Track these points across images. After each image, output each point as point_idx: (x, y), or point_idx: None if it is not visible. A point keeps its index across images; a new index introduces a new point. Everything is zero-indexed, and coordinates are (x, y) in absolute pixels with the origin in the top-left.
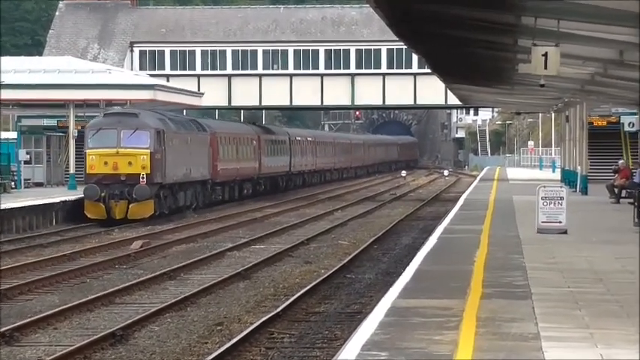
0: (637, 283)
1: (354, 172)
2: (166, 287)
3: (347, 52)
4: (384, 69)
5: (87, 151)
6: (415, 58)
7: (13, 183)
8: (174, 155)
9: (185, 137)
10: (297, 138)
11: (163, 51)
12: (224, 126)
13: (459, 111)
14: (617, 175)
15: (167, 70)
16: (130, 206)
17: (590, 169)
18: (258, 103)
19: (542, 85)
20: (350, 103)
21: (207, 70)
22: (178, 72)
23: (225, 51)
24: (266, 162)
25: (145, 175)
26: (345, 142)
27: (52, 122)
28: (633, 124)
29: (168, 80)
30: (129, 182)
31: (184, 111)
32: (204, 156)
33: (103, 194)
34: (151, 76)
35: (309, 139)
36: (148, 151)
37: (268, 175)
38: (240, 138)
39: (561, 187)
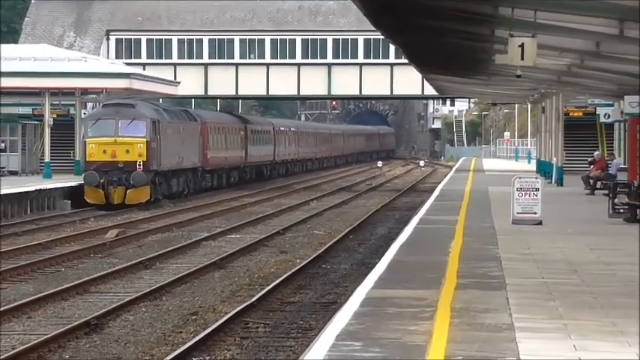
0: (612, 274)
1: (333, 162)
2: (141, 276)
3: (324, 41)
4: (361, 59)
5: (86, 139)
6: (392, 48)
7: None
8: (169, 144)
9: (178, 127)
10: (281, 128)
11: (140, 39)
12: (213, 116)
13: (435, 101)
14: (592, 167)
15: (143, 59)
16: (127, 192)
17: (566, 160)
18: (234, 93)
19: (519, 76)
20: (327, 93)
21: (184, 59)
22: (155, 61)
23: (201, 40)
24: (252, 151)
25: (141, 163)
26: (326, 132)
27: (28, 110)
28: (609, 116)
29: (144, 69)
30: (126, 169)
31: (160, 100)
32: (196, 145)
33: (102, 180)
34: (128, 64)
35: (292, 129)
36: (145, 139)
37: (254, 164)
38: (229, 128)
39: (537, 178)
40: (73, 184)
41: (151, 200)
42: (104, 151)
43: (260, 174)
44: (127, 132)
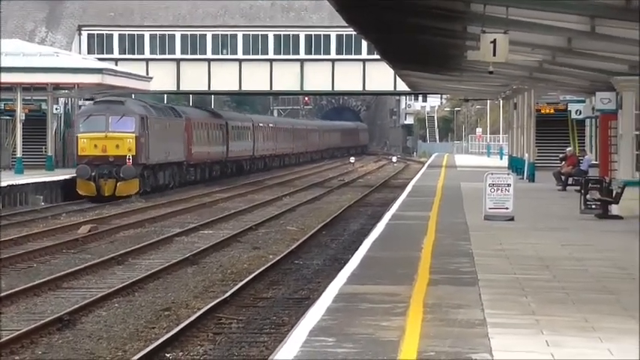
0: (583, 270)
1: (309, 157)
2: (114, 272)
3: (296, 37)
4: (333, 55)
5: (78, 135)
6: (364, 44)
7: None
8: (156, 139)
9: (165, 123)
10: (260, 124)
11: (112, 35)
12: (197, 113)
13: (407, 97)
14: (564, 163)
15: (115, 54)
16: (117, 184)
17: (538, 156)
18: (207, 88)
19: (491, 72)
20: (299, 89)
21: (156, 54)
22: (127, 56)
23: (174, 35)
24: (233, 147)
25: (131, 157)
26: (302, 128)
27: None
28: (580, 112)
29: (116, 64)
30: (116, 163)
31: (132, 95)
32: (181, 140)
33: (93, 174)
34: (100, 60)
35: (270, 125)
36: (134, 135)
37: (234, 159)
38: (211, 124)
39: (509, 174)
40: (46, 179)
41: (140, 192)
42: (95, 146)
43: (240, 168)
44: (117, 127)
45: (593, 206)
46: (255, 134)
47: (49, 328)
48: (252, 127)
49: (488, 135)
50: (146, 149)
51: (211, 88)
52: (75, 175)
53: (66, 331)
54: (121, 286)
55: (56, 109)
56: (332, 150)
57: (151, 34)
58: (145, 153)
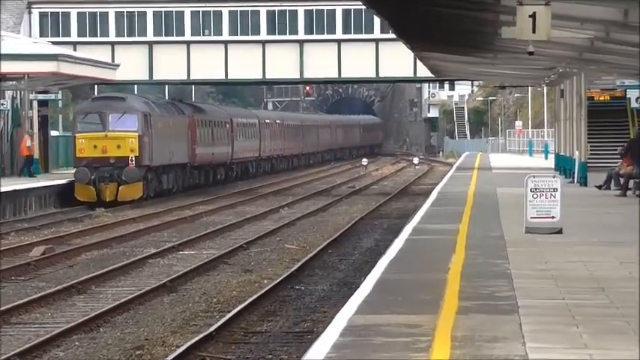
0: None
1: (320, 157)
2: (74, 303)
3: (294, 13)
4: (339, 34)
5: (76, 134)
6: (377, 21)
7: None
8: (160, 138)
9: (168, 121)
10: (266, 121)
11: (69, 13)
12: (200, 108)
13: (431, 85)
14: (622, 162)
15: (74, 37)
16: (119, 188)
17: (591, 154)
18: (186, 77)
19: (531, 53)
20: (298, 77)
21: (124, 36)
22: (88, 39)
23: (144, 13)
24: (238, 147)
25: (133, 158)
26: (312, 124)
27: None
28: None
29: (75, 49)
30: (118, 165)
31: (96, 87)
32: (184, 140)
33: (92, 177)
34: (54, 44)
35: (277, 121)
36: (137, 134)
37: (240, 161)
38: (215, 121)
39: (555, 176)
40: None
41: (144, 197)
42: (94, 147)
43: (246, 171)
44: (117, 126)
45: None
46: (262, 132)
47: None
48: (259, 124)
49: (529, 129)
50: (150, 150)
51: (191, 77)
52: (73, 178)
53: None
54: (82, 320)
55: (2, 104)
56: (350, 150)
57: (116, 12)
58: (149, 154)
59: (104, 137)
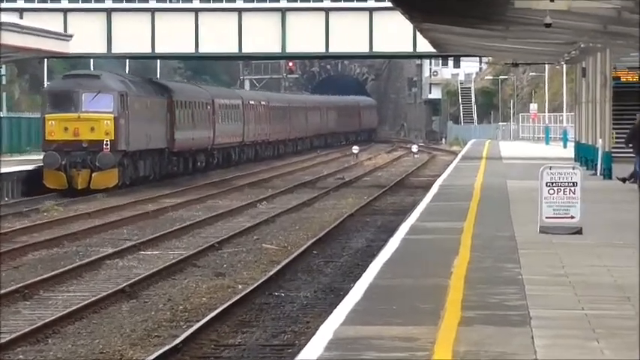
0: None
1: (309, 143)
2: (18, 310)
3: None
4: (327, 2)
5: (45, 115)
6: None
7: None
8: (137, 121)
9: (145, 101)
10: (251, 102)
11: None
12: (180, 88)
13: (433, 62)
14: None
15: (20, 3)
16: (92, 175)
17: (616, 143)
18: (150, 51)
19: (549, 25)
20: (280, 51)
21: (77, 2)
22: (36, 5)
23: None
24: (220, 131)
25: (108, 142)
26: (301, 106)
27: None
28: None
29: (21, 17)
30: (91, 149)
31: (45, 61)
32: (163, 123)
33: (63, 162)
34: None
35: (262, 103)
36: (112, 115)
37: (221, 147)
38: (196, 102)
39: (574, 168)
40: None
41: (119, 185)
42: (65, 129)
43: (228, 158)
44: (91, 107)
45: None
46: (246, 115)
47: None
48: (242, 105)
49: (546, 113)
50: (126, 133)
51: (156, 51)
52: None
53: None
54: (28, 330)
55: None
56: (343, 134)
57: None
58: (126, 138)
59: (76, 119)
